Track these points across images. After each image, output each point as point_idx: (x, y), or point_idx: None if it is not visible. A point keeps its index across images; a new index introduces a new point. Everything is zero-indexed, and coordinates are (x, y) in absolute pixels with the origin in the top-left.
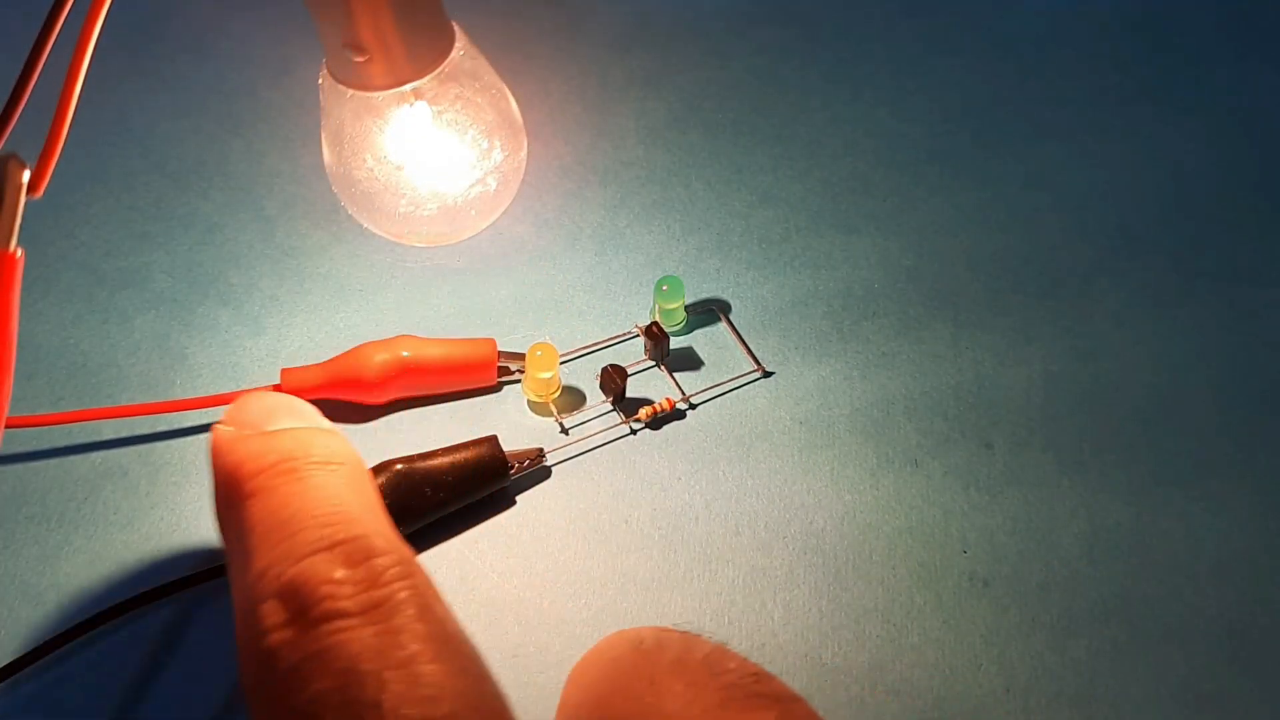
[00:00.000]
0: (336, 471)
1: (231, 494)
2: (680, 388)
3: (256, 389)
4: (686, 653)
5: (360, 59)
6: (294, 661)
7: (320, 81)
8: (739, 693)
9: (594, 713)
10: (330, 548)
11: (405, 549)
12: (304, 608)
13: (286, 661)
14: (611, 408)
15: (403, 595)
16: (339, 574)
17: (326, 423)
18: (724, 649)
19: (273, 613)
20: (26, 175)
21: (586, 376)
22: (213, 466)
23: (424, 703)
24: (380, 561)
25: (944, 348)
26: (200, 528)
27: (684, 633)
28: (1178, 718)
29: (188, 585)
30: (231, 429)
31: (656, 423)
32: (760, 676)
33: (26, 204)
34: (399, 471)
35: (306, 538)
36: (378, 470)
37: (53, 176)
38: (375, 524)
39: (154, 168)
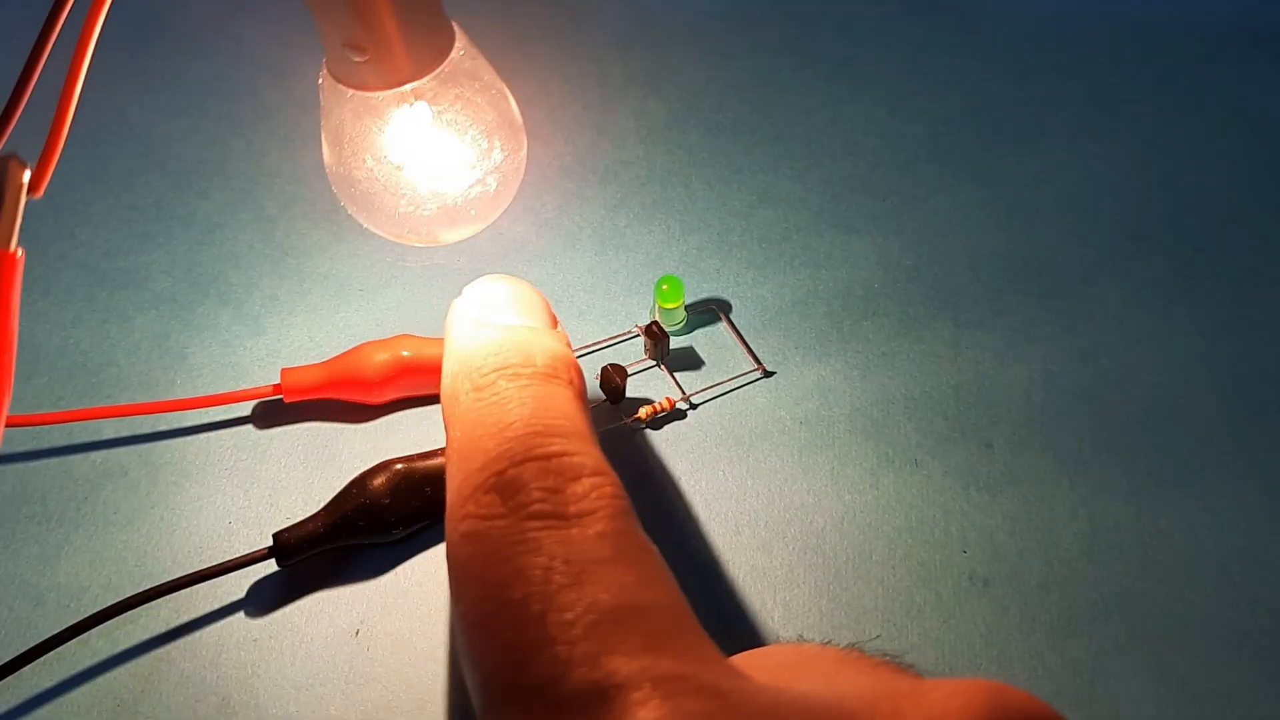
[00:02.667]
0: (558, 385)
1: (462, 383)
2: (680, 387)
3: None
4: (826, 646)
5: (360, 59)
6: (500, 545)
7: (320, 81)
8: (884, 663)
9: (745, 659)
10: (546, 458)
11: (610, 471)
12: (518, 505)
13: (493, 544)
14: (612, 408)
15: (607, 511)
16: (551, 483)
17: (551, 322)
18: (858, 647)
19: (490, 503)
20: (27, 175)
21: (586, 376)
22: (449, 346)
23: (612, 592)
24: (589, 481)
25: (944, 348)
26: (200, 527)
27: (817, 644)
28: (1178, 717)
29: (188, 585)
30: (471, 309)
31: (656, 422)
32: (897, 658)
33: (27, 204)
34: (399, 471)
35: (526, 444)
36: (377, 470)
37: (53, 176)
38: (586, 444)
39: (154, 168)
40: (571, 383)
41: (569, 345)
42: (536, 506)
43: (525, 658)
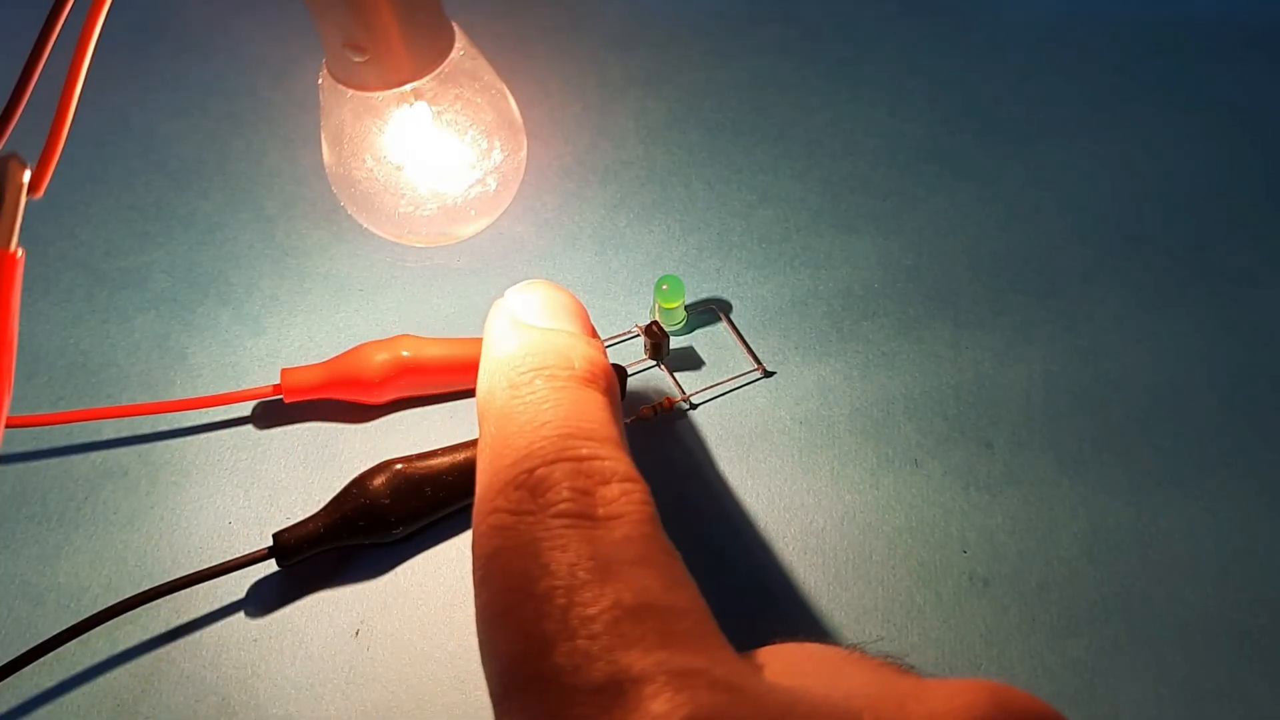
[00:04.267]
0: (592, 390)
1: (501, 379)
2: (680, 387)
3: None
4: (828, 645)
5: (360, 59)
6: (527, 539)
7: (320, 82)
8: (889, 664)
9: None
10: (578, 460)
11: (640, 479)
12: (547, 503)
13: (520, 538)
14: None
15: (633, 516)
16: (581, 484)
17: (588, 329)
18: (860, 648)
19: (520, 499)
20: (27, 175)
21: None
22: (490, 344)
23: (633, 592)
24: (618, 487)
25: (944, 348)
26: (200, 527)
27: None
28: (1178, 717)
29: (188, 585)
30: (513, 311)
31: (656, 422)
32: (899, 660)
33: (27, 204)
34: (399, 471)
35: (558, 444)
36: (377, 470)
37: (53, 176)
38: (617, 450)
39: (154, 168)
40: (607, 390)
41: (605, 354)
42: (565, 505)
43: (545, 647)
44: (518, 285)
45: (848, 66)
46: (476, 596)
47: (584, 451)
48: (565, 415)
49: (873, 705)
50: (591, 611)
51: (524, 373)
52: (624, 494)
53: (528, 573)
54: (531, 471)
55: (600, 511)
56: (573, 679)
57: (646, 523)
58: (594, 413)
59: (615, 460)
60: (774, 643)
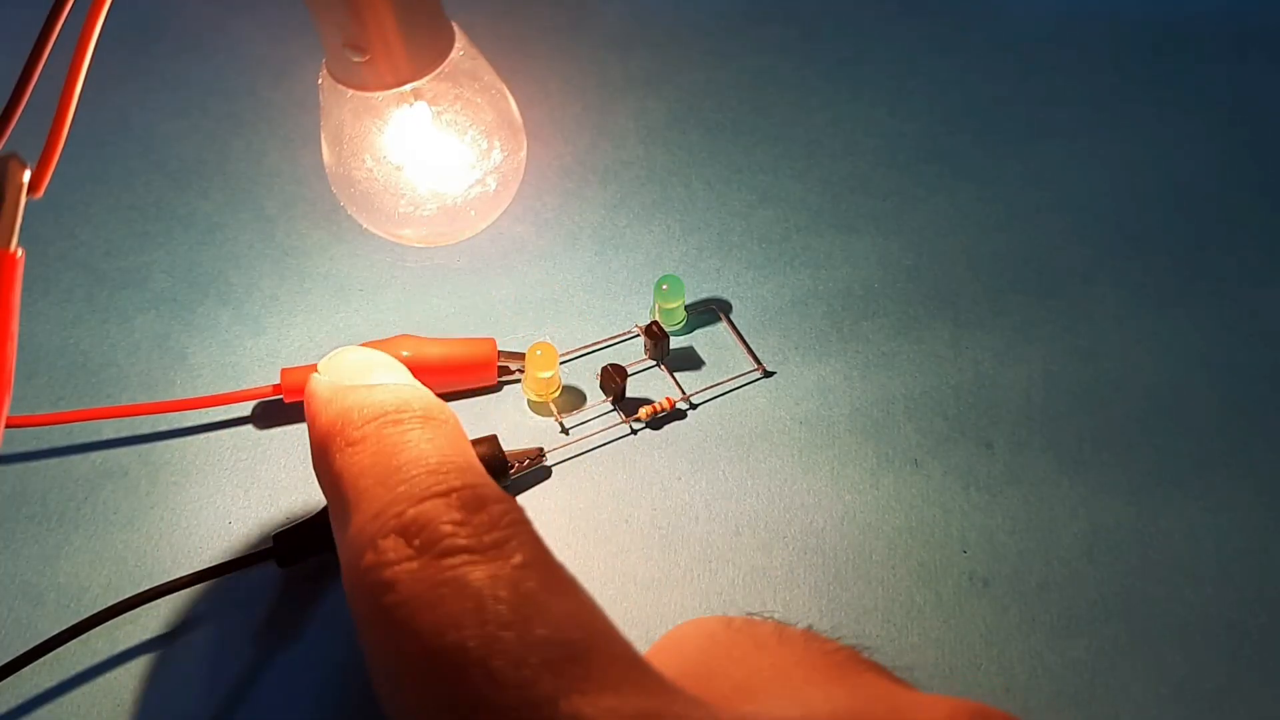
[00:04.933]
0: (441, 426)
1: (335, 441)
2: (680, 387)
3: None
4: (782, 630)
5: (360, 59)
6: (418, 589)
7: (320, 81)
8: (846, 658)
9: (695, 679)
10: (446, 494)
11: (513, 499)
12: (427, 543)
13: (411, 589)
14: (611, 407)
15: (519, 539)
16: (458, 515)
17: (415, 380)
18: (816, 632)
19: (395, 547)
20: (27, 175)
21: (586, 376)
22: (313, 415)
23: (551, 627)
24: (496, 508)
25: (944, 348)
26: (200, 527)
27: (770, 619)
28: (1178, 717)
29: (187, 585)
30: (329, 381)
31: (656, 422)
32: (861, 650)
33: (27, 204)
34: None
35: (423, 483)
36: None
37: (53, 176)
38: (482, 476)
39: (154, 168)
40: (452, 421)
41: (438, 399)
42: (448, 542)
43: (473, 708)
44: (327, 356)
45: (848, 66)
46: (372, 671)
47: (451, 483)
48: (420, 453)
49: None
50: (517, 656)
51: (361, 426)
52: (504, 514)
53: (431, 627)
54: (400, 515)
55: (486, 539)
56: None
57: (537, 543)
58: (449, 445)
59: (484, 485)
60: (760, 616)
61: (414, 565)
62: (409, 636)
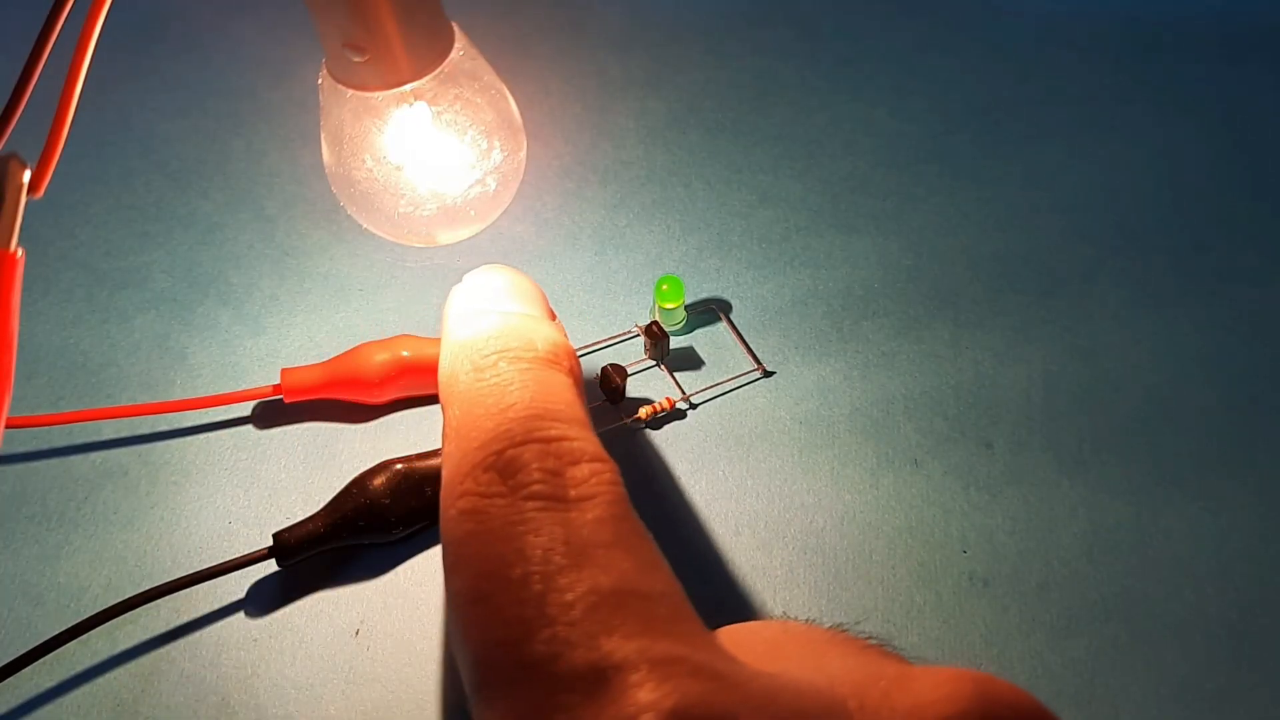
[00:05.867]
0: (556, 371)
1: (463, 363)
2: (680, 387)
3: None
4: (813, 625)
5: (360, 59)
6: (500, 523)
7: (320, 81)
8: (872, 647)
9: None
10: (546, 441)
11: (609, 459)
12: (519, 485)
13: (493, 522)
14: (612, 407)
15: (605, 497)
16: (551, 464)
17: (548, 313)
18: (844, 629)
19: (490, 481)
20: (27, 175)
21: (587, 376)
22: (448, 330)
23: (610, 576)
24: (588, 467)
25: (944, 348)
26: (200, 528)
27: (804, 621)
28: (1178, 717)
29: (188, 585)
30: (470, 296)
31: (656, 422)
32: (886, 643)
33: (27, 204)
34: (399, 471)
35: (526, 426)
36: (377, 470)
37: (53, 176)
38: (584, 430)
39: (154, 168)
40: (571, 371)
41: (566, 335)
42: (536, 487)
43: (523, 635)
44: (474, 271)
45: (848, 66)
46: (447, 583)
47: (552, 432)
48: (531, 397)
49: (857, 691)
50: (569, 597)
51: (487, 355)
52: (594, 474)
53: (502, 557)
54: (500, 453)
55: (572, 493)
56: (553, 667)
57: (618, 503)
58: (560, 393)
59: (584, 440)
60: (762, 619)
61: (503, 501)
62: (482, 561)
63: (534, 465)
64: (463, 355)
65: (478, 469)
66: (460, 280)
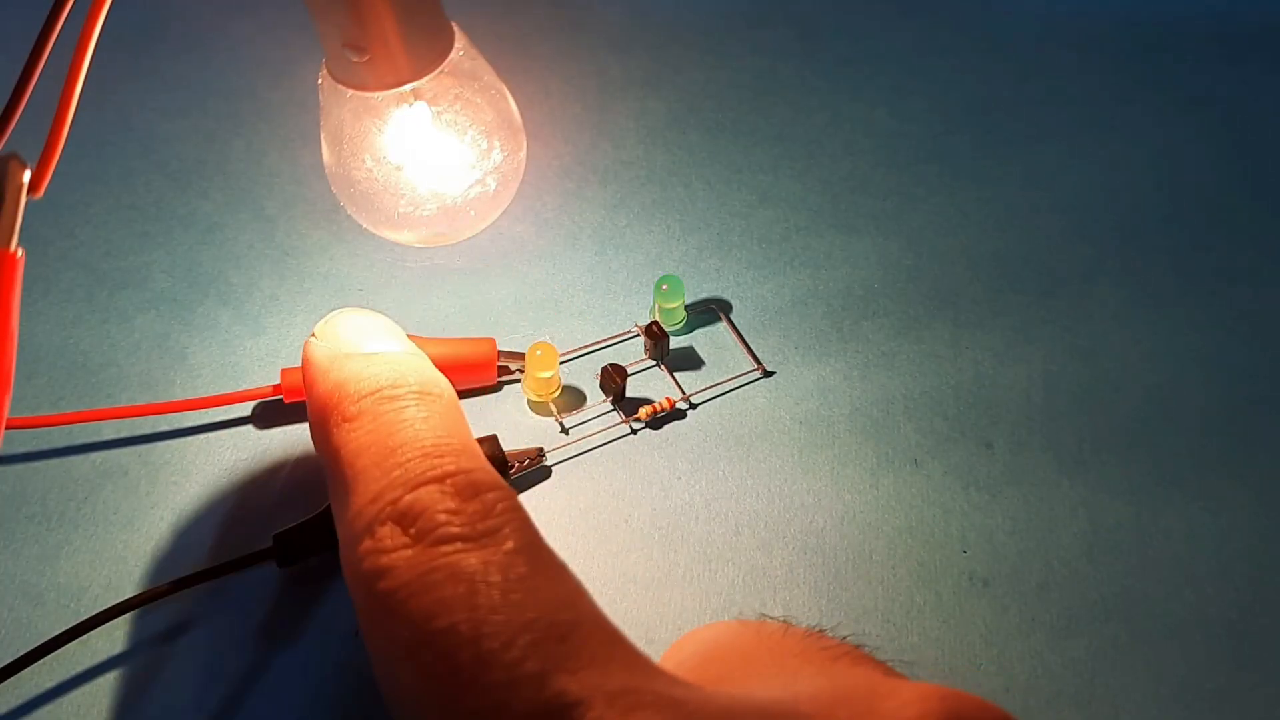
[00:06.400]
0: (436, 402)
1: (332, 415)
2: (680, 387)
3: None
4: (789, 628)
5: (360, 59)
6: (412, 576)
7: (320, 81)
8: (845, 654)
9: (690, 669)
10: (441, 479)
11: (505, 484)
12: (421, 532)
13: (405, 576)
14: (611, 407)
15: (511, 526)
16: (452, 504)
17: (413, 345)
18: (821, 631)
19: (391, 535)
20: (27, 175)
21: (586, 376)
22: (310, 384)
23: (539, 609)
24: (490, 496)
25: (944, 348)
26: (200, 527)
27: (779, 621)
28: (1178, 717)
29: (188, 585)
30: (326, 346)
31: (656, 422)
32: (861, 648)
33: (27, 204)
34: None
35: (417, 467)
36: None
37: (53, 176)
38: (476, 459)
39: (154, 168)
40: (450, 399)
41: (432, 366)
42: (441, 530)
43: (463, 687)
44: (324, 319)
45: (848, 67)
46: (371, 651)
47: (446, 467)
48: (415, 434)
49: (824, 713)
50: (505, 638)
51: (358, 401)
52: (497, 502)
53: (424, 612)
54: (395, 502)
55: (479, 528)
56: (501, 716)
57: (528, 530)
58: (443, 424)
59: (479, 470)
60: (737, 618)
61: (409, 553)
62: (403, 620)
63: (434, 508)
64: (330, 409)
65: (374, 524)
66: (311, 334)
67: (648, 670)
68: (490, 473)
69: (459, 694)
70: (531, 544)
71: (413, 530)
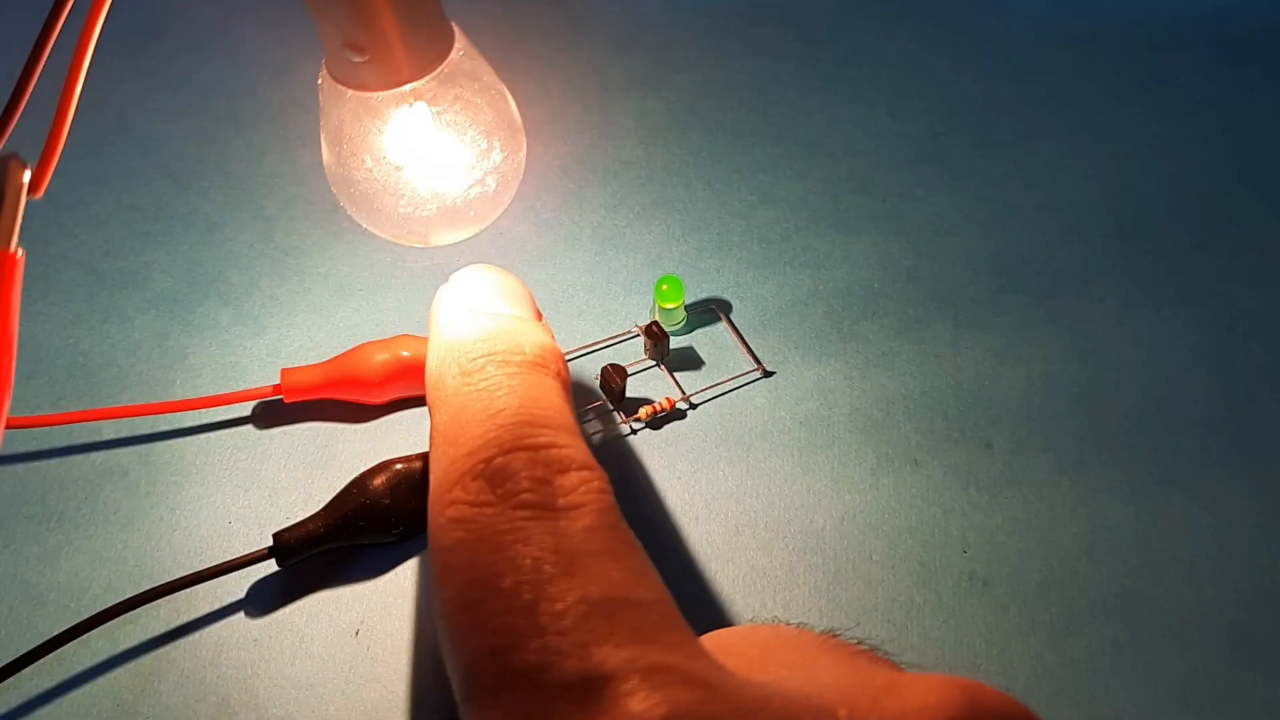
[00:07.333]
0: (546, 374)
1: (450, 366)
2: (680, 387)
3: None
4: (805, 629)
5: (360, 59)
6: (489, 531)
7: (320, 82)
8: (862, 653)
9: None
10: (535, 449)
11: (598, 466)
12: (508, 494)
13: (482, 530)
14: (611, 407)
15: (593, 505)
16: (540, 473)
17: (539, 316)
18: (835, 633)
19: (479, 490)
20: (27, 175)
21: (586, 376)
22: (436, 331)
23: (600, 586)
24: (576, 475)
25: (944, 348)
26: (200, 528)
27: (795, 626)
28: (1178, 717)
29: (188, 585)
30: (458, 298)
31: (656, 422)
32: (876, 648)
33: (27, 204)
34: (399, 471)
35: (516, 433)
36: (377, 470)
37: (53, 176)
38: (573, 436)
39: (154, 168)
40: (559, 375)
41: (554, 338)
42: (525, 496)
43: (514, 644)
44: (462, 270)
45: (847, 67)
46: (437, 592)
47: (541, 439)
48: (519, 402)
49: (847, 700)
50: (559, 606)
51: (475, 359)
52: (583, 482)
53: (491, 566)
54: (489, 461)
55: (560, 501)
56: (543, 676)
57: (608, 512)
58: (548, 399)
59: (572, 448)
60: (751, 623)
61: (491, 510)
62: (471, 571)
63: (523, 474)
64: (450, 358)
65: (466, 477)
66: (448, 280)
67: (692, 652)
68: (583, 452)
69: (507, 650)
70: (608, 524)
71: (500, 490)
